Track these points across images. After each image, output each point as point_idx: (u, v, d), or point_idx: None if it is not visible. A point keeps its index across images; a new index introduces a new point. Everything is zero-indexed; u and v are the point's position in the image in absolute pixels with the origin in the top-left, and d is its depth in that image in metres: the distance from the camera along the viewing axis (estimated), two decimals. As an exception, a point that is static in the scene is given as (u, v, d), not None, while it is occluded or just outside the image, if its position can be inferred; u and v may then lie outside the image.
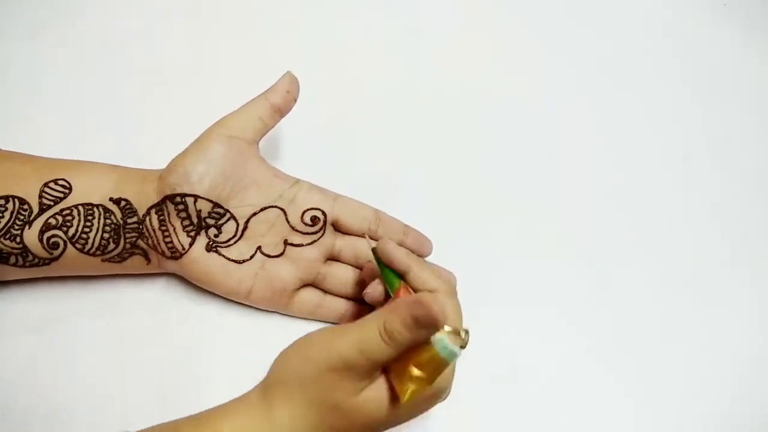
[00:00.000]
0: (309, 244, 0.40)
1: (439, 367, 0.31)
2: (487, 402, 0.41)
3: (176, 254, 0.39)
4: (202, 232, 0.39)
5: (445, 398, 0.35)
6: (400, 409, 0.32)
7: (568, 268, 0.46)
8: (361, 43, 0.54)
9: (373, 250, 0.37)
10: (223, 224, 0.39)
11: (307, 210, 0.40)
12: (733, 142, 0.52)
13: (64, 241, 0.37)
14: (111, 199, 0.38)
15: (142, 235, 0.38)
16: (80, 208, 0.37)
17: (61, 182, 0.38)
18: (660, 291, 0.46)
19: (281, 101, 0.40)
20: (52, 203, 0.37)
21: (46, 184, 0.37)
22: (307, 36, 0.53)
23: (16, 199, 0.37)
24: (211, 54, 0.52)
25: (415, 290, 0.35)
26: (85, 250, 0.38)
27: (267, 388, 0.33)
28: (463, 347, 0.31)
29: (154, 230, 0.38)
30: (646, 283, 0.46)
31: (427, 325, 0.30)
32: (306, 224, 0.40)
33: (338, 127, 0.49)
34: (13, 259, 0.37)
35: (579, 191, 0.49)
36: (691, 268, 0.47)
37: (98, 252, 0.38)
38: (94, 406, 0.38)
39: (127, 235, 0.38)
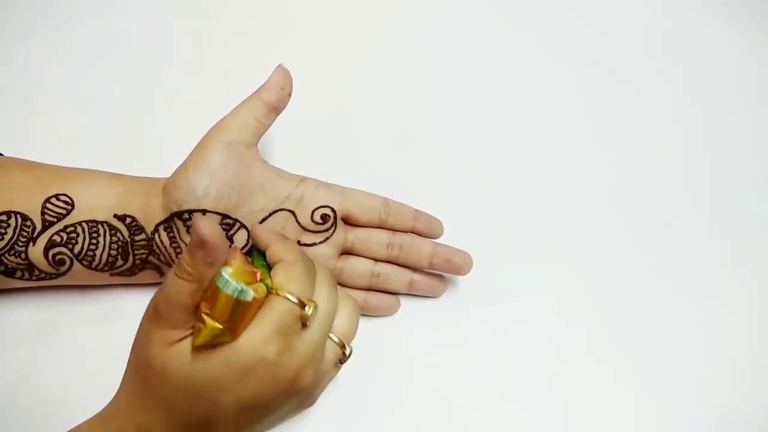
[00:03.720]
0: (321, 242, 0.40)
1: (226, 305, 0.29)
2: (487, 401, 0.41)
3: None
4: None
5: (309, 404, 0.34)
6: (205, 369, 0.29)
7: (567, 267, 0.46)
8: (358, 37, 0.53)
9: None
10: (234, 234, 0.39)
11: (317, 208, 0.40)
12: (733, 142, 0.52)
13: (71, 258, 0.37)
14: (116, 216, 0.37)
15: (153, 251, 0.38)
16: (84, 225, 0.37)
17: (63, 197, 0.37)
18: (660, 291, 0.46)
19: (275, 99, 0.39)
20: (55, 220, 0.37)
21: (47, 200, 0.37)
22: (305, 31, 0.53)
23: (18, 215, 0.36)
24: (210, 53, 0.51)
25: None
26: (93, 266, 0.38)
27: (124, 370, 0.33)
28: (304, 322, 0.30)
29: (165, 247, 0.38)
30: (646, 283, 0.46)
31: (197, 244, 0.28)
32: (317, 223, 0.40)
33: (336, 119, 0.49)
34: (18, 274, 0.37)
35: (579, 191, 0.49)
36: (691, 268, 0.47)
37: (106, 268, 0.38)
38: (96, 409, 0.38)
39: (137, 252, 0.38)
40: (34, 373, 0.39)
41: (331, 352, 0.33)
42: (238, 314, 0.29)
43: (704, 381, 0.43)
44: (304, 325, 0.31)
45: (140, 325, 0.31)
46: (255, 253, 0.36)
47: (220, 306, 0.29)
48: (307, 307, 0.31)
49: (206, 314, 0.29)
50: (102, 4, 0.52)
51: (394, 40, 0.54)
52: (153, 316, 0.30)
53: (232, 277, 0.29)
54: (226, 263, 0.30)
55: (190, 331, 0.30)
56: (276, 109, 0.39)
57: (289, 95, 0.39)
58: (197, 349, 0.29)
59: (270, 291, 0.31)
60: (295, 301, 0.30)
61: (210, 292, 0.29)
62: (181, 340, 0.30)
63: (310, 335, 0.31)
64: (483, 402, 0.41)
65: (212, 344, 0.29)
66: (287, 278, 0.31)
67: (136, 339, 0.31)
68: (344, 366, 0.35)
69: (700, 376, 0.43)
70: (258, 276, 0.31)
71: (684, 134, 0.52)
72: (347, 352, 0.34)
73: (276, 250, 0.33)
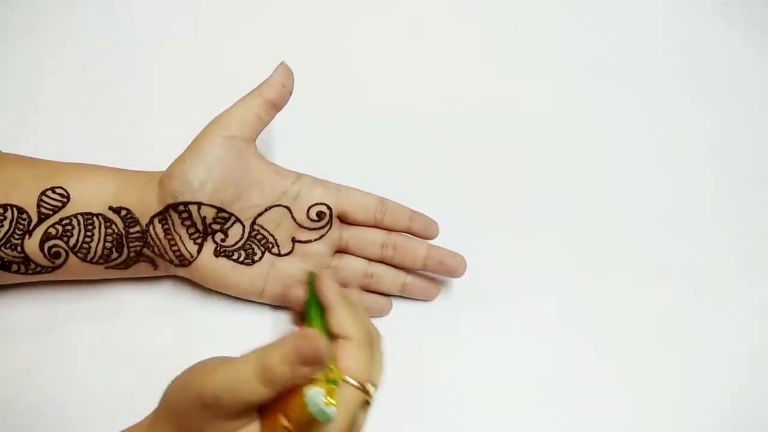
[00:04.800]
0: (317, 239, 0.40)
1: (309, 424, 0.28)
2: (484, 403, 0.41)
3: (185, 262, 0.39)
4: (209, 238, 0.38)
5: None
6: None
7: (567, 267, 0.46)
8: (359, 36, 0.54)
9: (309, 275, 0.37)
10: (229, 228, 0.39)
11: (313, 206, 0.40)
12: (733, 142, 0.52)
13: (66, 251, 0.37)
14: (111, 208, 0.37)
15: (147, 244, 0.38)
16: (80, 217, 0.37)
17: (58, 190, 0.37)
18: (660, 291, 0.46)
19: (276, 96, 0.39)
20: (50, 212, 0.37)
21: (43, 193, 0.37)
22: (306, 30, 0.53)
23: (14, 208, 0.36)
24: (210, 51, 0.51)
25: (330, 334, 0.33)
26: (88, 259, 0.38)
27: (155, 414, 0.31)
28: (368, 403, 0.30)
29: (159, 239, 0.38)
30: (646, 283, 0.46)
31: (308, 361, 0.27)
32: (312, 220, 0.40)
33: (335, 116, 0.49)
34: (15, 267, 0.37)
35: (578, 190, 0.49)
36: (691, 268, 0.47)
37: (101, 260, 0.38)
38: (96, 408, 0.38)
39: (131, 244, 0.38)
40: (34, 373, 0.39)
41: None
42: (315, 427, 0.29)
43: (704, 381, 0.43)
44: (367, 402, 0.31)
45: (197, 405, 0.28)
46: (312, 299, 0.36)
47: (304, 425, 0.28)
48: (370, 390, 0.31)
49: (287, 429, 0.28)
50: (102, 4, 0.52)
51: (395, 40, 0.54)
52: (213, 406, 0.28)
53: (326, 404, 0.27)
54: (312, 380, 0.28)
55: (253, 423, 0.29)
56: (276, 106, 0.39)
57: (290, 93, 0.39)
58: None
59: (338, 382, 0.30)
60: (360, 387, 0.30)
61: (294, 406, 0.28)
62: (239, 429, 0.29)
63: (367, 412, 0.32)
64: (481, 403, 0.41)
65: None
66: (355, 365, 0.31)
67: (180, 409, 0.29)
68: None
69: (700, 376, 0.43)
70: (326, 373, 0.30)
71: (684, 134, 0.52)
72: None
73: (339, 320, 0.33)
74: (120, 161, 0.40)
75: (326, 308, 0.34)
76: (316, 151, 0.48)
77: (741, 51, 0.56)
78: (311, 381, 0.28)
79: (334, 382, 0.29)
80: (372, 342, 0.33)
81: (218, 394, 0.28)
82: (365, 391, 0.31)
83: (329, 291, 0.35)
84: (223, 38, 0.52)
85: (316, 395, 0.27)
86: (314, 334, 0.27)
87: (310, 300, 0.36)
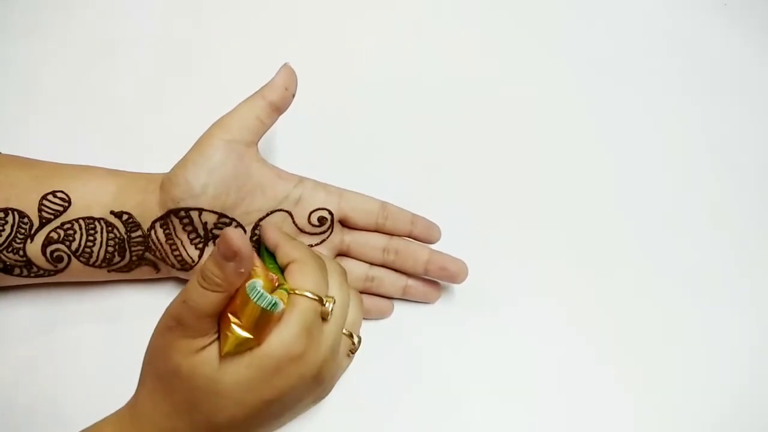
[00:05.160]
0: (317, 244, 0.40)
1: (258, 317, 0.29)
2: (484, 405, 0.41)
3: (186, 266, 0.39)
4: (210, 243, 0.38)
5: (325, 395, 0.34)
6: (235, 373, 0.29)
7: (567, 268, 0.46)
8: (362, 38, 0.54)
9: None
10: None
11: (314, 211, 0.40)
12: (733, 142, 0.52)
13: (68, 255, 0.37)
14: (112, 213, 0.37)
15: (149, 248, 0.38)
16: (81, 222, 0.37)
17: (59, 194, 0.37)
18: (660, 291, 0.46)
19: (279, 99, 0.38)
20: (52, 217, 0.37)
21: (44, 197, 0.37)
22: (307, 31, 0.53)
23: (15, 212, 0.36)
24: (210, 52, 0.51)
25: (284, 271, 0.34)
26: (90, 262, 0.38)
27: (137, 389, 0.32)
28: (324, 318, 0.32)
29: (161, 244, 0.38)
30: (646, 282, 0.46)
31: (229, 256, 0.28)
32: (313, 225, 0.40)
33: (337, 119, 0.49)
34: (17, 271, 0.37)
35: (578, 190, 0.49)
36: (691, 268, 0.47)
37: (104, 264, 0.38)
38: (96, 408, 0.38)
39: (133, 249, 0.38)
40: (34, 373, 0.39)
41: (342, 343, 0.34)
42: (266, 323, 0.30)
43: (704, 381, 0.43)
44: (323, 319, 0.32)
45: (157, 337, 0.31)
46: (264, 251, 0.36)
47: (251, 317, 0.29)
48: (326, 303, 0.32)
49: (236, 324, 0.29)
50: (102, 4, 0.52)
51: (395, 41, 0.54)
52: (176, 328, 0.30)
53: (264, 290, 0.29)
54: (252, 273, 0.30)
55: (215, 336, 0.30)
56: (278, 110, 0.39)
57: (293, 96, 0.39)
58: (226, 355, 0.30)
59: (290, 292, 0.31)
60: (315, 298, 0.31)
61: (240, 302, 0.29)
62: (206, 346, 0.30)
63: (330, 328, 0.32)
64: (481, 403, 0.41)
65: (238, 351, 0.29)
66: (303, 278, 0.32)
67: (153, 350, 0.31)
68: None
69: (700, 376, 0.43)
70: (275, 281, 0.31)
71: (684, 134, 0.52)
72: (356, 341, 0.35)
73: (286, 250, 0.34)
74: (120, 162, 0.40)
75: (273, 250, 0.36)
76: (317, 152, 0.48)
77: (741, 51, 0.56)
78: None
79: (286, 290, 0.31)
80: (322, 264, 0.34)
81: (174, 311, 0.30)
82: (321, 302, 0.31)
83: (272, 234, 0.36)
84: (223, 38, 0.52)
85: (254, 283, 0.29)
86: (229, 231, 0.28)
87: (262, 251, 0.37)
